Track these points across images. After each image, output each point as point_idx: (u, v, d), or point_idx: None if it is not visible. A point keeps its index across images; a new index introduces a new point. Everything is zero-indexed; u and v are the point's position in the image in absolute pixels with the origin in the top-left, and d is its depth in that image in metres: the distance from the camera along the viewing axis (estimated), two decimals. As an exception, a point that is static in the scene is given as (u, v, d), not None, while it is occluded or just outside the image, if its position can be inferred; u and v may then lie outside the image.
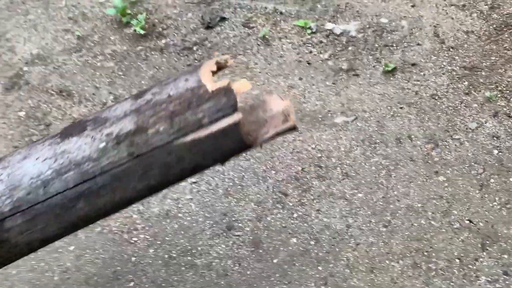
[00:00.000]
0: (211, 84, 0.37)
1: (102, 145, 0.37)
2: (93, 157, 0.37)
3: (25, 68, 0.87)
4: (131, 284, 0.64)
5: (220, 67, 0.39)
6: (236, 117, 0.36)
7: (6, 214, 0.38)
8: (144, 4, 0.93)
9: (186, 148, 0.37)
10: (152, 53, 0.86)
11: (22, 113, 0.81)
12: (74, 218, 0.40)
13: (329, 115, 0.75)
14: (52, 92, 0.83)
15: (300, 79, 0.79)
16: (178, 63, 0.84)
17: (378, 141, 0.73)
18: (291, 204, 0.68)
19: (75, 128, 0.39)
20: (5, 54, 0.89)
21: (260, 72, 0.81)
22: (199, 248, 0.65)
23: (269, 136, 0.39)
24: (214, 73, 0.38)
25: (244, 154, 0.72)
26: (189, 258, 0.65)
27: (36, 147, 0.39)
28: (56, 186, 0.38)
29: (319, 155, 0.71)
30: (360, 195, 0.68)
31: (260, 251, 0.65)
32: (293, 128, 0.40)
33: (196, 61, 0.84)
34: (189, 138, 0.37)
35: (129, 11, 0.91)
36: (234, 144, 0.39)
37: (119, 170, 0.38)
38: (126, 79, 0.83)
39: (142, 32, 0.87)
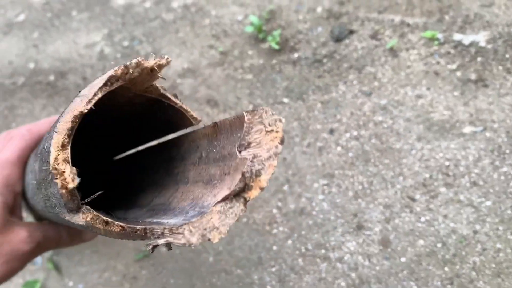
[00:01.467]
0: (55, 155, 0.23)
1: (34, 182, 0.32)
2: (35, 191, 0.34)
3: (178, 80, 1.02)
4: (273, 269, 0.74)
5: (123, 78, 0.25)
6: (81, 220, 0.24)
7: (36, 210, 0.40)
8: (277, 20, 1.03)
9: (65, 220, 0.27)
10: (286, 66, 0.96)
11: (178, 119, 0.95)
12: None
13: (457, 125, 0.79)
14: (201, 101, 0.96)
15: (428, 89, 0.83)
16: (309, 75, 0.93)
17: (507, 151, 0.74)
18: (418, 209, 0.73)
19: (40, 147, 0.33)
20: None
21: (387, 82, 0.87)
22: (332, 243, 0.74)
23: (160, 243, 0.24)
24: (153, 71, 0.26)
25: (372, 160, 0.79)
26: (323, 251, 0.74)
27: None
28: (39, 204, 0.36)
29: (447, 163, 0.75)
30: (488, 203, 0.71)
31: (389, 249, 0.71)
32: None
33: (325, 72, 0.92)
34: (63, 216, 0.26)
35: (264, 28, 1.02)
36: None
37: (44, 213, 0.36)
38: (263, 90, 0.94)
39: (276, 47, 0.97)
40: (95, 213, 0.23)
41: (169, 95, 0.28)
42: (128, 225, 0.23)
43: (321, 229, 0.75)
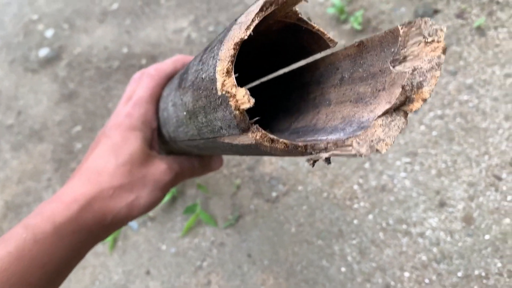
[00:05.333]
0: (221, 80, 0.24)
1: (184, 113, 0.34)
2: (185, 122, 0.35)
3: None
4: (354, 241, 0.77)
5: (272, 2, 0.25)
6: (250, 138, 0.25)
7: (173, 138, 0.42)
8: (359, 1, 1.04)
9: (229, 145, 0.29)
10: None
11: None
12: (216, 152, 0.38)
13: (549, 104, 0.76)
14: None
15: (517, 68, 0.81)
16: (392, 55, 0.93)
17: None
18: (505, 188, 0.72)
19: (181, 77, 0.35)
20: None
21: (474, 62, 0.85)
22: (413, 219, 0.75)
23: (324, 156, 0.25)
24: (264, 11, 0.24)
25: (457, 139, 0.79)
26: (404, 226, 0.75)
27: (174, 82, 0.39)
28: (181, 134, 0.38)
29: (537, 143, 0.73)
30: None
31: (472, 227, 0.71)
32: None
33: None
34: (225, 140, 0.29)
35: (346, 9, 1.03)
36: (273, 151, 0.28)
37: (200, 143, 0.36)
38: (344, 70, 0.96)
39: (359, 28, 0.98)
40: (263, 131, 0.24)
41: (305, 19, 0.28)
42: (291, 142, 0.24)
43: (403, 206, 0.77)
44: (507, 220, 0.70)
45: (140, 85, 0.45)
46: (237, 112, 0.23)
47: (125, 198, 0.41)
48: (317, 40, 0.30)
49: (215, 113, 0.26)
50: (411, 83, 0.22)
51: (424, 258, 0.71)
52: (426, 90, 0.21)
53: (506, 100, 0.78)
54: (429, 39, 0.22)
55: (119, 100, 1.19)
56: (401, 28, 0.23)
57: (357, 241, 0.77)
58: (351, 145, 0.22)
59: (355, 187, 0.81)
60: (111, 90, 1.22)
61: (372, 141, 0.21)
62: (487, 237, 0.70)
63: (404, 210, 0.76)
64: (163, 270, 0.85)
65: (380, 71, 0.25)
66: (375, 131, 0.22)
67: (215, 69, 0.24)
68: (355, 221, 0.78)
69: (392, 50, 0.24)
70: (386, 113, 0.22)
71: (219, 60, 0.23)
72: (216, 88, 0.24)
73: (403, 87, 0.22)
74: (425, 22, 0.22)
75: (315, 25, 0.28)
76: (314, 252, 0.78)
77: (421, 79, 0.22)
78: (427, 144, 0.80)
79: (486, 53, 0.85)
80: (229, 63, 0.23)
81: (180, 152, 0.47)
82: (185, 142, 0.39)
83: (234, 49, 0.23)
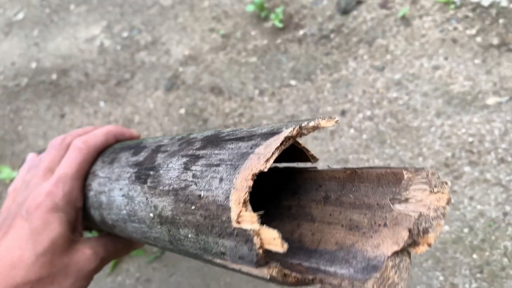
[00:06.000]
0: (236, 211, 0.23)
1: (151, 215, 0.32)
2: (147, 223, 0.32)
3: (180, 69, 0.97)
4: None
5: (301, 134, 0.26)
6: (263, 273, 0.24)
7: (110, 225, 0.40)
8: (279, -4, 0.97)
9: (214, 263, 0.29)
10: (291, 44, 0.90)
11: (182, 111, 0.91)
12: (164, 248, 0.37)
13: (480, 96, 0.72)
14: (205, 90, 0.92)
15: (446, 58, 0.76)
16: (316, 53, 0.86)
17: (538, 121, 0.68)
18: (441, 191, 0.67)
19: (144, 171, 0.33)
20: (163, 57, 1.01)
21: (401, 55, 0.80)
22: (349, 234, 0.69)
23: None
24: (286, 143, 0.25)
25: (388, 141, 0.73)
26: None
27: (125, 169, 0.36)
28: (130, 228, 0.36)
29: (471, 139, 0.69)
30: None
31: (411, 237, 0.66)
32: None
33: (333, 48, 0.86)
34: (217, 261, 0.28)
35: (266, 5, 0.95)
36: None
37: (168, 248, 0.34)
38: (268, 73, 0.88)
39: (280, 25, 0.91)
40: (279, 266, 0.24)
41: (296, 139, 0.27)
42: (303, 275, 0.24)
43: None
44: (446, 228, 0.65)
45: (66, 159, 0.40)
46: (260, 251, 0.22)
47: None
48: (300, 154, 0.30)
49: (219, 238, 0.25)
50: (418, 228, 0.23)
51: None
52: (431, 236, 0.22)
53: (437, 95, 0.74)
54: (435, 190, 0.23)
55: (29, 122, 1.07)
56: (406, 173, 0.25)
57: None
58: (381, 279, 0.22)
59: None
60: (20, 111, 1.09)
61: (389, 286, 0.21)
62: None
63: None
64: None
65: (377, 205, 0.26)
66: (389, 273, 0.22)
67: (227, 197, 0.24)
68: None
69: (393, 189, 0.25)
70: (395, 253, 0.22)
71: (234, 188, 0.23)
72: (229, 218, 0.23)
73: (410, 231, 0.23)
74: (432, 174, 0.24)
75: (301, 142, 0.28)
76: (248, 281, 0.71)
77: (427, 225, 0.23)
78: (358, 149, 0.74)
79: (413, 45, 0.80)
80: (246, 194, 0.23)
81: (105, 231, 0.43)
82: (133, 235, 0.35)
83: (252, 179, 0.23)
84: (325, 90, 0.82)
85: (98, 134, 0.43)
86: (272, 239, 0.23)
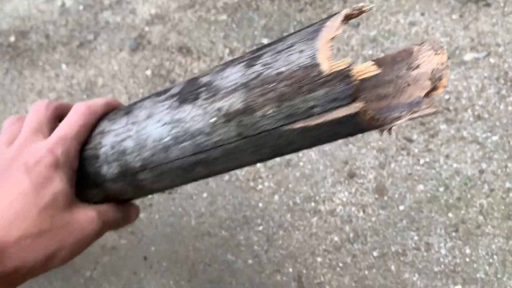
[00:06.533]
0: (328, 63, 0.29)
1: (213, 120, 0.35)
2: (206, 131, 0.36)
3: (146, 29, 0.92)
4: (260, 228, 0.68)
5: (351, 17, 0.30)
6: (354, 107, 0.29)
7: (138, 169, 0.40)
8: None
9: (295, 133, 0.33)
10: (263, 1, 0.85)
11: (148, 72, 0.86)
12: (195, 177, 0.41)
13: (457, 52, 0.69)
14: (173, 50, 0.87)
15: (422, 14, 0.73)
16: (289, 9, 0.82)
17: (515, 77, 0.66)
18: (416, 150, 0.65)
19: (190, 93, 0.37)
20: (128, 16, 0.95)
21: (376, 11, 0.76)
22: (322, 195, 0.67)
23: (401, 122, 0.31)
24: (345, 21, 0.30)
25: (363, 100, 0.70)
26: (312, 204, 0.67)
27: (157, 106, 0.39)
28: (175, 153, 0.38)
29: (447, 97, 0.67)
30: (494, 138, 0.63)
31: (385, 198, 0.64)
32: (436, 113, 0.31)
33: (307, 5, 0.82)
34: (299, 125, 0.32)
35: (237, -40, 0.90)
36: (351, 130, 0.33)
37: (231, 147, 0.37)
38: (239, 32, 0.84)
39: (251, -19, 0.86)
40: (367, 96, 0.31)
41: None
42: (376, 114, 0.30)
43: (310, 181, 0.68)
44: (420, 187, 0.63)
45: (67, 120, 0.41)
46: (357, 81, 0.28)
47: (45, 248, 0.36)
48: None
49: (308, 94, 0.29)
50: (434, 77, 0.30)
51: (336, 239, 0.64)
52: (444, 81, 0.30)
53: (413, 52, 0.71)
54: (438, 52, 0.31)
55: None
56: (414, 47, 0.31)
57: (264, 227, 0.68)
58: (429, 104, 0.29)
59: (258, 165, 0.71)
60: (-24, 77, 1.02)
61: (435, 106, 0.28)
62: (401, 208, 0.63)
63: (312, 186, 0.68)
64: (48, 286, 0.72)
65: (397, 77, 0.31)
66: (428, 106, 0.28)
67: (313, 57, 0.28)
68: (260, 204, 0.69)
69: (407, 62, 0.31)
70: (426, 95, 0.29)
71: (318, 50, 0.28)
72: (319, 71, 0.28)
73: (430, 79, 0.29)
74: (434, 42, 0.31)
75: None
76: (218, 245, 0.68)
77: (439, 74, 0.30)
78: (332, 108, 0.71)
79: (389, 0, 0.76)
80: (330, 51, 0.28)
81: (109, 198, 0.44)
82: (174, 162, 0.38)
83: (330, 41, 0.28)
84: (298, 49, 0.78)
85: (99, 101, 0.43)
86: (365, 68, 0.29)
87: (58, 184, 0.38)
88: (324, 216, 0.65)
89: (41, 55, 0.98)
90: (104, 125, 0.42)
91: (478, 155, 0.63)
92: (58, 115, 0.43)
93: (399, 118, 0.30)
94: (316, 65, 0.29)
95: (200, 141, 0.36)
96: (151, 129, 0.38)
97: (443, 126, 0.65)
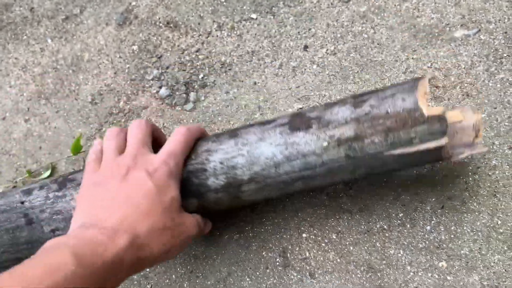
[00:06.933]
0: (427, 108, 0.42)
1: (325, 144, 0.45)
2: (317, 152, 0.45)
3: (133, 3, 0.90)
4: (246, 205, 0.67)
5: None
6: (443, 141, 0.42)
7: (245, 181, 0.48)
8: None
9: (392, 158, 0.45)
10: (253, -24, 0.83)
11: (135, 47, 0.85)
12: (291, 191, 0.50)
13: (447, 29, 0.68)
14: (160, 25, 0.85)
15: (413, -10, 0.72)
16: (279, -16, 0.81)
17: (505, 55, 0.65)
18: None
19: (301, 123, 0.46)
20: (115, -10, 0.93)
21: (367, -13, 0.75)
22: (309, 172, 0.66)
23: (462, 157, 0.46)
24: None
25: (352, 77, 0.69)
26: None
27: (268, 132, 0.48)
28: (285, 168, 0.47)
29: (436, 74, 0.66)
30: (482, 115, 0.62)
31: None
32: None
33: (297, -19, 0.80)
34: (398, 151, 0.44)
35: None
36: (432, 159, 0.47)
37: (335, 166, 0.46)
38: (228, 5, 0.82)
39: None
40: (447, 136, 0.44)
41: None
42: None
43: (297, 158, 0.68)
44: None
45: (172, 139, 0.49)
46: (449, 123, 0.43)
47: (166, 242, 0.43)
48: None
49: (411, 128, 0.42)
50: (476, 128, 0.47)
51: (323, 213, 0.64)
52: (481, 132, 0.50)
53: (403, 28, 0.70)
54: (476, 111, 0.47)
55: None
56: (460, 107, 0.48)
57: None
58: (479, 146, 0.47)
59: (245, 142, 0.71)
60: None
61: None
62: (389, 183, 0.63)
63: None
64: None
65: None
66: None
67: (415, 103, 0.42)
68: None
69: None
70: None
71: (418, 99, 0.42)
72: (421, 113, 0.42)
73: (473, 130, 0.47)
74: (472, 106, 0.53)
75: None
76: (204, 222, 0.68)
77: (478, 127, 0.47)
78: (320, 85, 0.70)
79: (380, -24, 0.75)
80: (427, 101, 0.42)
81: (200, 209, 0.52)
82: (282, 176, 0.47)
83: (425, 95, 0.42)
84: (288, 24, 0.77)
85: (195, 126, 0.52)
86: (455, 115, 0.44)
87: (174, 190, 0.45)
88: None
89: (25, 28, 0.96)
90: (209, 145, 0.50)
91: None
92: (153, 132, 0.51)
93: (462, 153, 0.45)
94: (418, 108, 0.42)
95: (310, 159, 0.45)
96: (264, 149, 0.47)
97: (432, 104, 0.65)
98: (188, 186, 0.49)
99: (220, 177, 0.48)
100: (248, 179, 0.47)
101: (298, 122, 0.46)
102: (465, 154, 0.45)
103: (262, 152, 0.46)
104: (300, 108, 0.70)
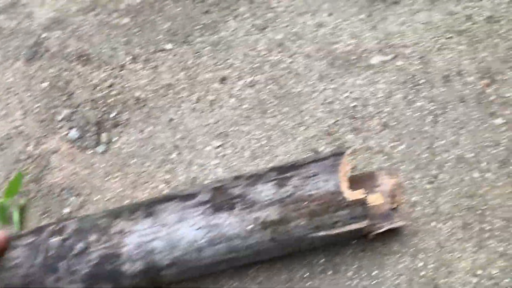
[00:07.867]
0: (349, 193, 0.44)
1: (250, 227, 0.45)
2: (242, 235, 0.45)
3: (44, 35, 0.84)
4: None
5: (354, 153, 0.57)
6: (364, 223, 0.45)
7: (164, 267, 0.47)
8: None
9: (317, 239, 0.47)
10: (167, 3, 0.79)
11: (45, 84, 0.79)
12: (215, 271, 0.51)
13: (364, 55, 0.66)
14: (72, 58, 0.79)
15: (330, 15, 0.69)
16: (194, 11, 0.77)
17: (422, 81, 0.63)
18: (323, 163, 0.62)
19: (224, 202, 0.46)
20: (24, 21, 0.87)
21: (283, 11, 0.72)
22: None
23: (382, 231, 0.49)
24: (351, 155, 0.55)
25: (270, 110, 0.66)
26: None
27: (189, 211, 0.46)
28: (207, 253, 0.46)
29: (354, 104, 0.63)
30: (401, 147, 0.60)
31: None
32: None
33: (212, 6, 0.76)
34: (322, 233, 0.46)
35: (139, -43, 0.83)
36: (354, 237, 0.51)
37: (261, 248, 0.46)
38: (142, 36, 0.78)
39: None
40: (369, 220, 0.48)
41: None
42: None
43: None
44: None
45: None
46: (370, 207, 0.46)
47: None
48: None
49: (334, 213, 0.44)
50: (392, 194, 0.51)
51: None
52: (399, 198, 0.51)
53: (320, 56, 0.67)
54: (393, 176, 0.52)
55: None
56: (377, 172, 0.52)
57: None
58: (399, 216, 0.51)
59: (161, 186, 0.66)
60: None
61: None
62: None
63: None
64: None
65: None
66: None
67: (337, 186, 0.44)
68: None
69: (370, 182, 0.51)
70: (394, 209, 0.51)
71: (340, 181, 0.44)
72: (343, 197, 0.44)
73: (389, 196, 0.50)
74: (389, 169, 0.54)
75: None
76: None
77: (395, 193, 0.51)
78: (238, 120, 0.66)
79: (295, 0, 0.72)
80: (347, 182, 0.45)
81: None
82: (205, 260, 0.46)
83: (345, 175, 0.45)
84: (204, 54, 0.72)
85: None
86: (375, 199, 0.47)
87: None
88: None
89: None
90: (123, 224, 0.47)
91: (385, 166, 0.60)
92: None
93: (382, 227, 0.48)
94: (339, 193, 0.44)
95: (235, 243, 0.45)
96: (184, 232, 0.45)
97: (350, 136, 0.62)
98: (100, 273, 0.47)
99: (137, 263, 0.46)
100: (168, 264, 0.46)
101: (221, 200, 0.46)
102: (384, 228, 0.48)
103: (183, 235, 0.45)
104: (219, 145, 0.66)
